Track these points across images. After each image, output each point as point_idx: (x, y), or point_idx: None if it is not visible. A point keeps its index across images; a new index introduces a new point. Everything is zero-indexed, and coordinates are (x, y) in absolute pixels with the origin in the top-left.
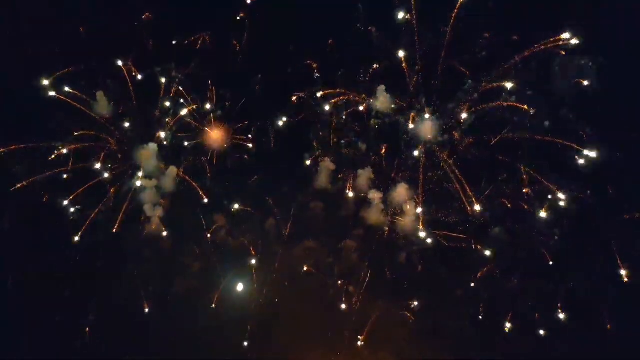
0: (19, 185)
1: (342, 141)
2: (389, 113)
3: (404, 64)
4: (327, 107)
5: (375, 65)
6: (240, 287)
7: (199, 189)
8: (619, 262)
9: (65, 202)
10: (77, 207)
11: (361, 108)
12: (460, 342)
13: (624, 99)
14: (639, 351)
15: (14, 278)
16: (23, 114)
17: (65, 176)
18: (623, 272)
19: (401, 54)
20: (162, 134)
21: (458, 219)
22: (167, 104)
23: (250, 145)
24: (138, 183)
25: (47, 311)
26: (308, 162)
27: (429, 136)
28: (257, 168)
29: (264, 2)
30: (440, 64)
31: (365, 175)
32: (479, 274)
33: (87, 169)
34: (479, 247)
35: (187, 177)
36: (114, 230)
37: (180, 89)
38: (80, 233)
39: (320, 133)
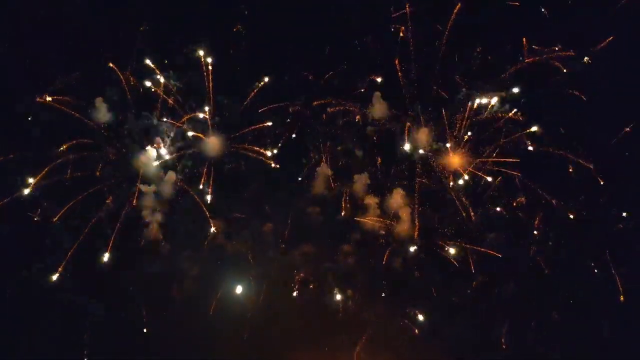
0: (17, 194)
1: (339, 148)
2: (385, 120)
3: (399, 73)
4: (323, 116)
5: (371, 77)
6: (238, 290)
7: (196, 196)
8: (613, 270)
9: (64, 210)
10: (75, 214)
11: (357, 118)
12: (458, 346)
13: (619, 108)
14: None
15: (12, 284)
16: (21, 121)
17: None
18: (618, 280)
19: (396, 63)
20: (161, 142)
21: (453, 226)
22: (165, 112)
23: (277, 166)
24: (135, 203)
25: (45, 317)
26: (305, 169)
27: (424, 144)
28: (254, 175)
29: (262, 13)
30: (435, 73)
31: (361, 180)
32: (474, 283)
33: (85, 177)
34: (474, 256)
35: (185, 185)
36: (113, 236)
37: (179, 97)
38: (79, 239)
39: (317, 143)
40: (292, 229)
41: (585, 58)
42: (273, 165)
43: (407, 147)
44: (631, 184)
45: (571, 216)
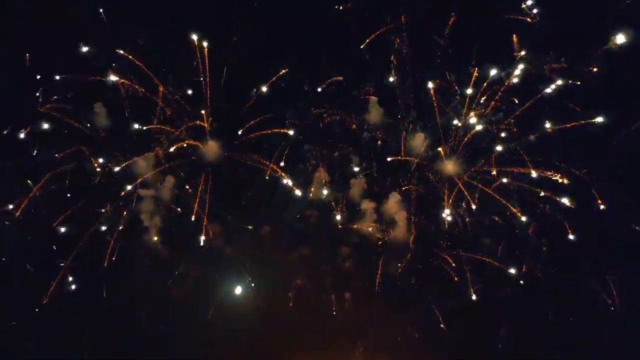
0: (17, 201)
1: (336, 154)
2: (380, 127)
3: (395, 82)
4: (320, 124)
5: (367, 85)
6: (237, 292)
7: (195, 201)
8: (607, 278)
9: (63, 217)
10: (74, 222)
11: (353, 126)
12: (457, 349)
13: (613, 117)
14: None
15: (12, 288)
16: (19, 129)
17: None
18: (612, 286)
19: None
20: (159, 149)
21: (449, 234)
22: (164, 118)
23: (292, 185)
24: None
25: (43, 320)
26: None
27: (420, 151)
28: (252, 180)
29: (259, 22)
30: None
31: (358, 186)
32: (470, 290)
33: (84, 184)
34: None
35: (184, 190)
36: (113, 240)
37: (177, 104)
38: (79, 246)
39: (314, 150)
40: (289, 233)
41: (593, 68)
42: (297, 192)
43: (402, 154)
44: (628, 189)
45: (571, 237)
